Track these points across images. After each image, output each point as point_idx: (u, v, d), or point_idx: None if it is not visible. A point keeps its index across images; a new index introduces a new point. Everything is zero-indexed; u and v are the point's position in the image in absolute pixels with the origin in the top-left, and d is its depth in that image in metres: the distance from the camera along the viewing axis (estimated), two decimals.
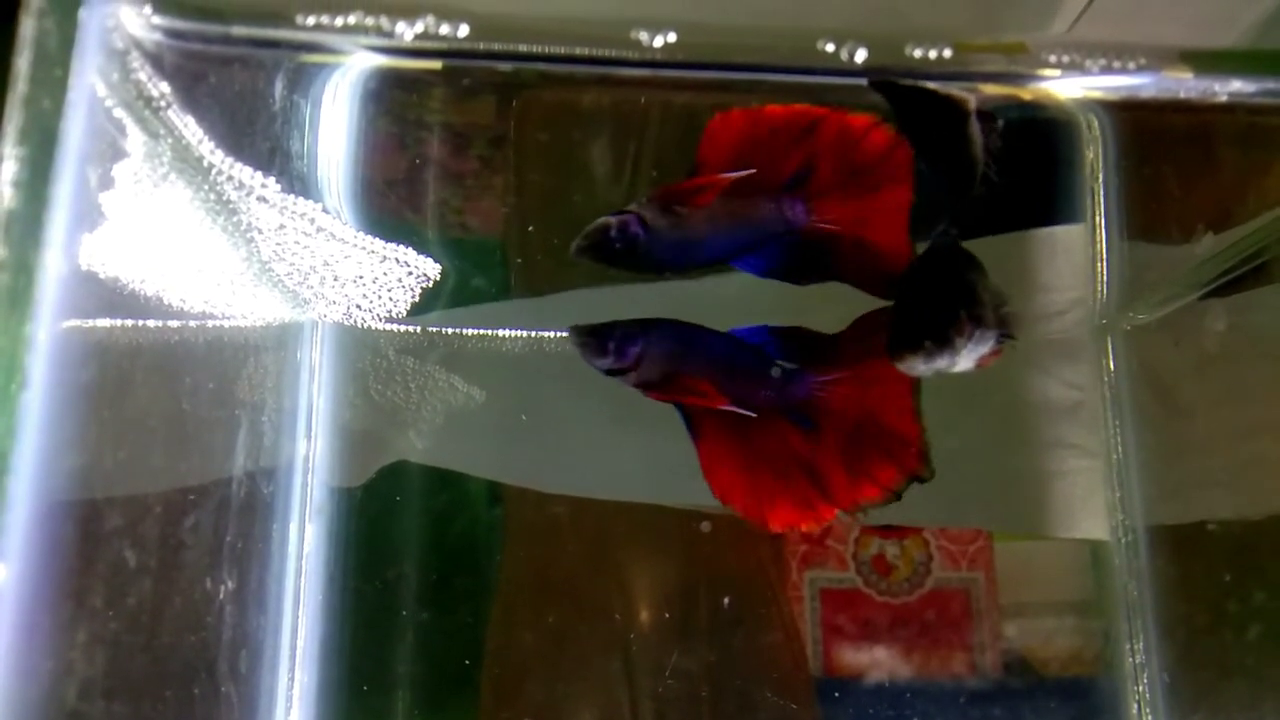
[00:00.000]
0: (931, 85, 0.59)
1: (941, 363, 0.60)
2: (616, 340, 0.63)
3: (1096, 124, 0.74)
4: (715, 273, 0.73)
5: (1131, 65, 0.59)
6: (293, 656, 0.75)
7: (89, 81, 0.48)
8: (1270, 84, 0.62)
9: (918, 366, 0.59)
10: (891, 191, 0.63)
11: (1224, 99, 0.62)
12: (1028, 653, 0.83)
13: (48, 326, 0.44)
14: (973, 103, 0.60)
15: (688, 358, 0.64)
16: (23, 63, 0.45)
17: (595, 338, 0.64)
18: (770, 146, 0.61)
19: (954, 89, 0.59)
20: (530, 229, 0.77)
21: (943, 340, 0.59)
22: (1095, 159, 0.76)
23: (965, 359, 0.61)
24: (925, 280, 0.63)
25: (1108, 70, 0.60)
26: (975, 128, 0.60)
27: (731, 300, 0.80)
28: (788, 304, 0.69)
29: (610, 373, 0.64)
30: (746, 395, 0.63)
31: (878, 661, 0.82)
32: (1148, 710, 0.79)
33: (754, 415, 0.62)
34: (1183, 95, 0.62)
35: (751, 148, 0.61)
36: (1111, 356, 0.84)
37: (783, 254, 0.65)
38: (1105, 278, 0.81)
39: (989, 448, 0.86)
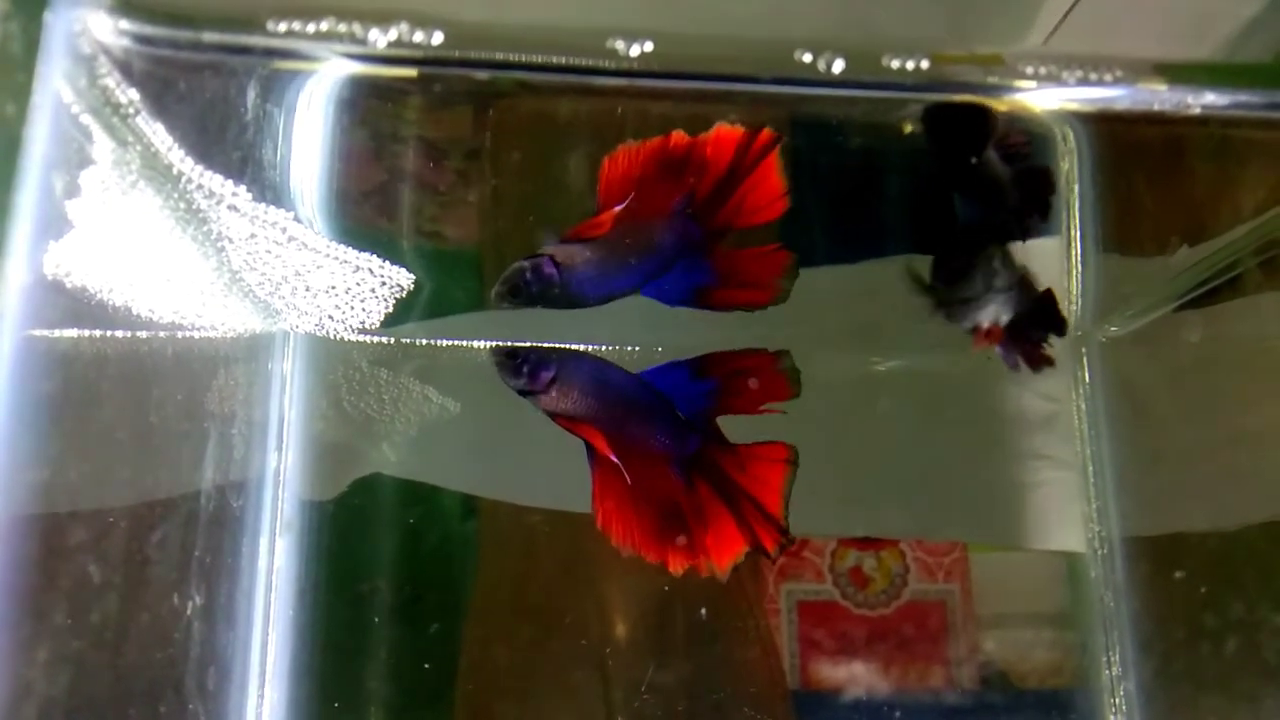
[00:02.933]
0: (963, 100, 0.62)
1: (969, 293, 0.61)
2: (531, 364, 0.67)
3: (1072, 136, 0.74)
4: None
5: (1107, 77, 0.59)
6: (262, 673, 0.74)
7: (54, 87, 0.47)
8: (1243, 96, 0.63)
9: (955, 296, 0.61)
10: (759, 178, 0.66)
11: (1197, 111, 0.62)
12: (1005, 665, 0.83)
13: (9, 337, 0.43)
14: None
15: (595, 394, 0.67)
16: None
17: (510, 358, 0.67)
18: (656, 177, 0.65)
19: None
20: (506, 239, 0.77)
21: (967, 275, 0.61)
22: (1070, 171, 0.76)
23: (984, 309, 0.63)
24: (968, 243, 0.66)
25: (1083, 82, 0.60)
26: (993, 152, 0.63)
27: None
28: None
29: (522, 393, 0.67)
30: (641, 439, 0.66)
31: (855, 675, 0.82)
32: None
33: (626, 477, 0.65)
34: (1157, 107, 0.62)
35: (640, 181, 0.64)
36: (1087, 368, 0.84)
37: (687, 278, 0.68)
38: (1080, 289, 0.82)
39: (964, 459, 0.86)
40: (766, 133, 0.63)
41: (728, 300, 0.68)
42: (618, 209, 0.64)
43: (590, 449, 0.66)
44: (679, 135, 0.63)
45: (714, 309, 0.68)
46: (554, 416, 0.66)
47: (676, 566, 0.65)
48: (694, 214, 0.66)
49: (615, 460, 0.64)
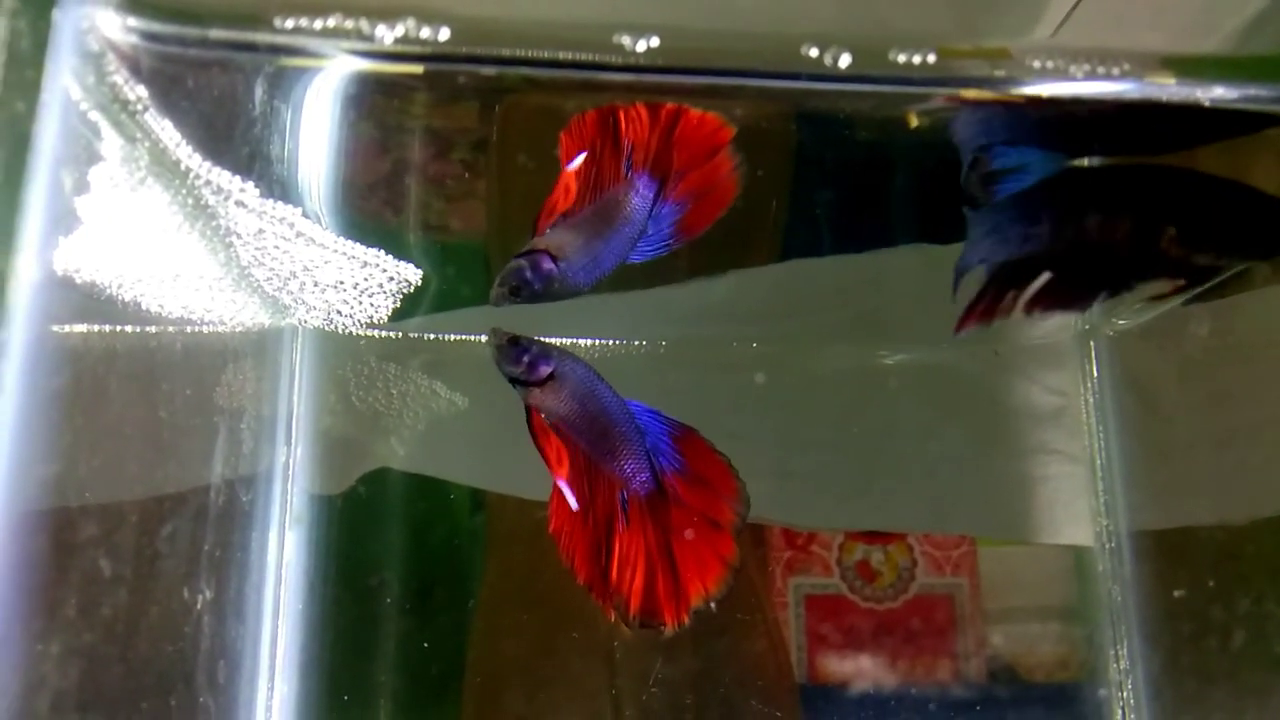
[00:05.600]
0: None
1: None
2: (532, 354, 0.66)
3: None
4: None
5: (1115, 71, 0.59)
6: (272, 666, 0.74)
7: (63, 84, 0.47)
8: (1252, 90, 0.62)
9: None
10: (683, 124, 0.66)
11: (1206, 105, 0.62)
12: (1013, 659, 0.83)
13: (20, 332, 0.43)
14: None
15: (581, 401, 0.66)
16: None
17: (513, 346, 0.66)
18: (603, 141, 0.65)
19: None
20: (513, 234, 0.77)
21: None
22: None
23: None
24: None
25: (1091, 76, 0.60)
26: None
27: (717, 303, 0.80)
28: None
29: (514, 381, 0.66)
30: (606, 458, 0.66)
31: (862, 668, 0.82)
32: (1132, 715, 0.79)
33: (574, 506, 0.65)
34: (1165, 101, 0.62)
35: (592, 147, 0.65)
36: (1095, 362, 0.84)
37: (658, 225, 0.68)
38: None
39: (972, 454, 0.86)
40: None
41: (701, 218, 0.67)
42: (570, 168, 0.64)
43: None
44: (608, 106, 0.63)
45: (697, 233, 0.67)
46: (530, 418, 0.66)
47: (598, 597, 0.64)
48: (644, 168, 0.66)
49: (564, 486, 0.64)
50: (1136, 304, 0.81)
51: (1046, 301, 0.73)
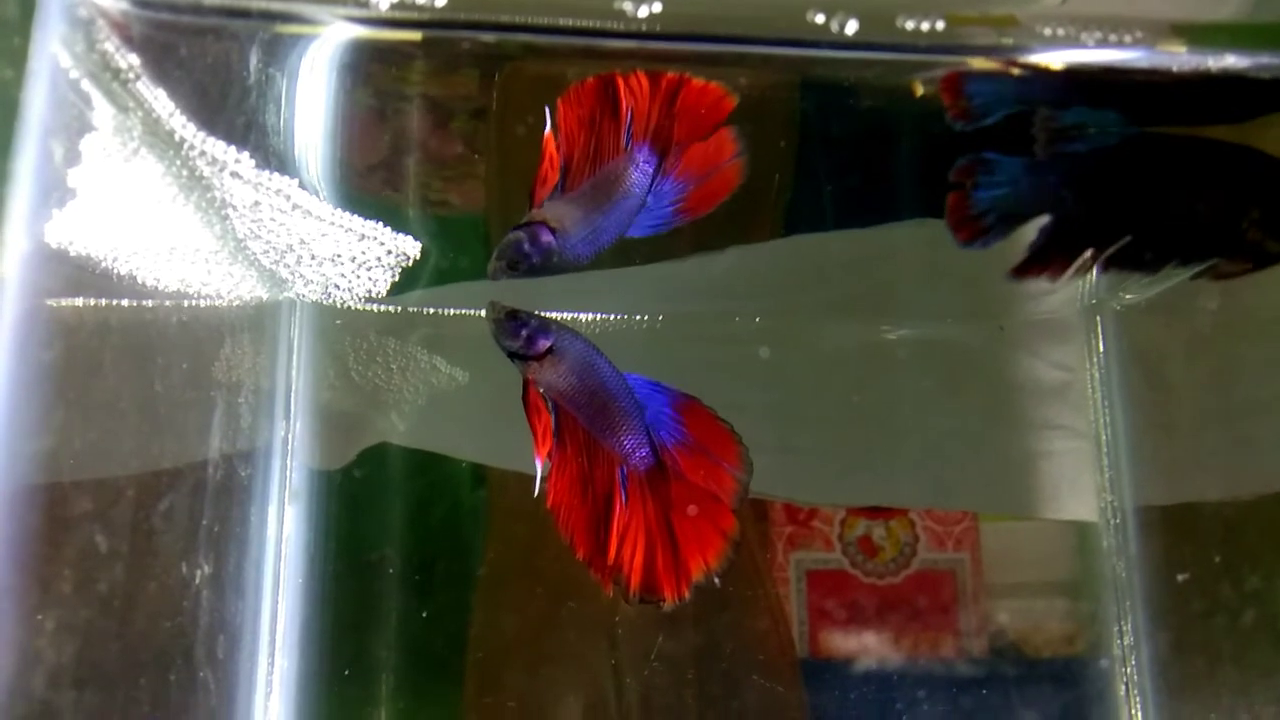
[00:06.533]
0: None
1: None
2: (531, 329, 0.65)
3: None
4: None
5: (1126, 39, 0.58)
6: (272, 642, 0.74)
7: (51, 51, 0.46)
8: (1264, 59, 0.61)
9: None
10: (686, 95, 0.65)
11: (1217, 73, 0.61)
12: (1016, 635, 0.83)
13: (10, 305, 0.42)
14: None
15: (580, 375, 0.66)
16: None
17: (511, 320, 0.66)
18: (602, 112, 0.64)
19: None
20: (513, 205, 0.76)
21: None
22: None
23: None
24: None
25: (1100, 44, 0.59)
26: None
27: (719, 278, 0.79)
28: None
29: (513, 356, 0.66)
30: (604, 433, 0.65)
31: (864, 644, 0.81)
32: (1136, 692, 0.78)
33: (546, 488, 0.65)
34: (1176, 70, 0.61)
35: (590, 119, 0.64)
36: (1101, 337, 0.83)
37: (660, 201, 0.67)
38: None
39: (976, 429, 0.85)
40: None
41: (706, 199, 0.66)
42: (549, 135, 0.63)
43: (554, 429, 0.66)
44: (606, 75, 0.62)
45: (700, 212, 0.67)
46: (525, 390, 0.66)
47: (597, 572, 0.64)
48: (644, 140, 0.65)
49: (540, 462, 0.64)
50: (1145, 278, 0.80)
51: (1121, 264, 0.73)
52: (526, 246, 0.63)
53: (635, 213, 0.66)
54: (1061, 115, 0.67)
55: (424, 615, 0.78)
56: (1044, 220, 0.71)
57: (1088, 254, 0.72)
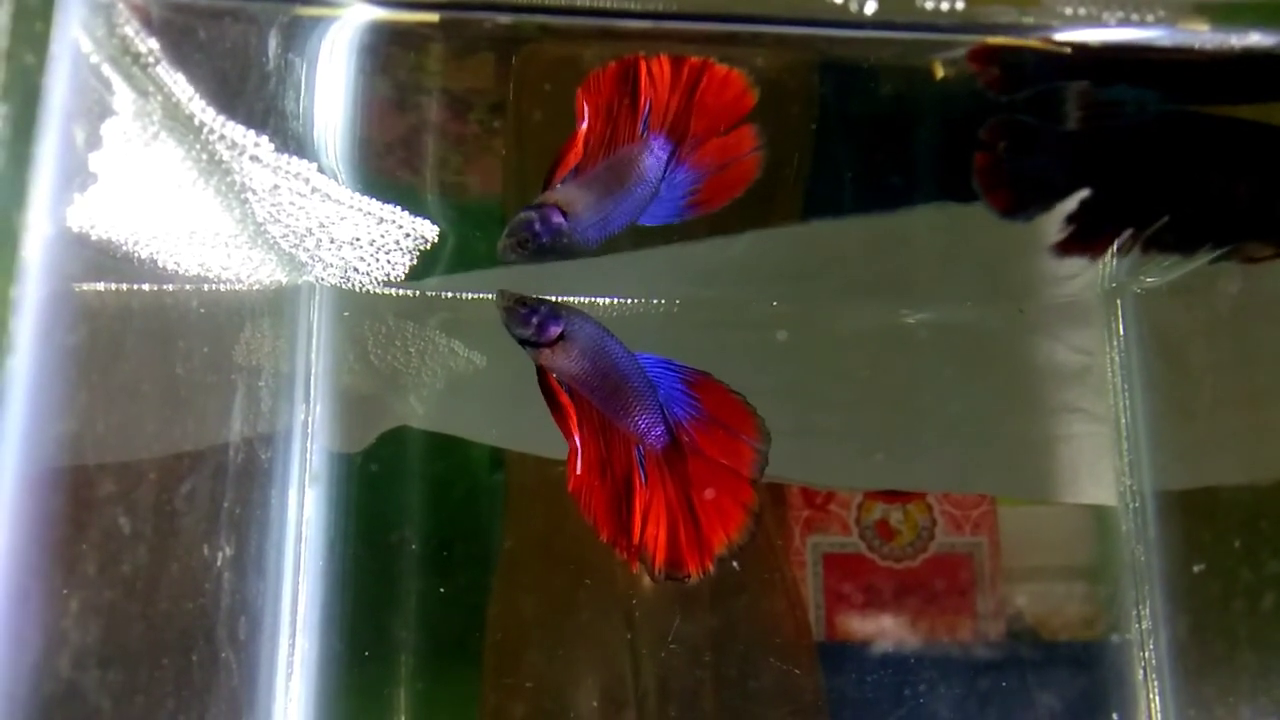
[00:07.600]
0: None
1: None
2: (542, 315, 0.65)
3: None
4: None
5: (1149, 18, 0.57)
6: (293, 623, 0.74)
7: (73, 36, 0.46)
8: None
9: None
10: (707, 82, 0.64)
11: (1240, 51, 0.60)
12: (1033, 618, 0.83)
13: (33, 289, 0.43)
14: None
15: (592, 359, 0.66)
16: (2, 16, 0.43)
17: (522, 306, 0.66)
18: (620, 99, 0.64)
19: None
20: (530, 189, 0.76)
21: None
22: None
23: None
24: None
25: (1124, 23, 0.58)
26: None
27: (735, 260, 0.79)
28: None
29: (524, 343, 0.66)
30: (620, 414, 0.65)
31: (881, 627, 0.81)
32: (1154, 676, 0.78)
33: (578, 470, 0.65)
34: (1198, 48, 0.60)
35: (609, 105, 0.63)
36: (1121, 320, 0.83)
37: (674, 192, 0.67)
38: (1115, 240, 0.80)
39: (995, 413, 0.85)
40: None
41: (721, 193, 0.66)
42: (582, 128, 0.63)
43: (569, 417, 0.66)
44: (629, 58, 0.62)
45: (713, 207, 0.67)
46: (541, 379, 0.66)
47: (622, 553, 0.64)
48: (659, 130, 0.65)
49: (577, 443, 0.64)
50: (1166, 261, 0.79)
51: (1160, 245, 0.72)
52: (537, 226, 0.63)
53: (648, 200, 0.65)
54: (1101, 91, 0.67)
55: (443, 597, 0.79)
56: (1084, 195, 0.70)
57: (1128, 233, 0.71)
